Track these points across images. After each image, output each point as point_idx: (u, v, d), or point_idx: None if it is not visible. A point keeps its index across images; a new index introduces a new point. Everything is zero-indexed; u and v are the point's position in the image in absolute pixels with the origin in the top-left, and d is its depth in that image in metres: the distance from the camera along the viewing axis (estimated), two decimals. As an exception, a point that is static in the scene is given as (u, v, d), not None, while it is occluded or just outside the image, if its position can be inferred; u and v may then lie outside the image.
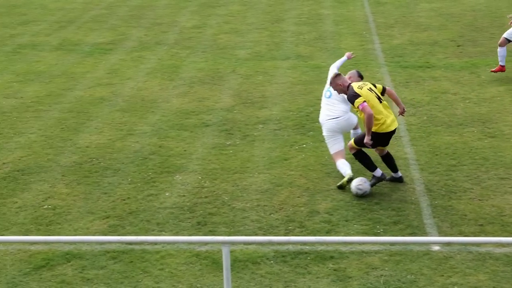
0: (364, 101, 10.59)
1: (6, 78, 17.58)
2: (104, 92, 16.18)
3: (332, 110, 11.46)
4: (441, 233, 9.83)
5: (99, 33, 21.98)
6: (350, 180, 11.02)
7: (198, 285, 8.80)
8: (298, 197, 10.98)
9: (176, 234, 9.97)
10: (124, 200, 11.04)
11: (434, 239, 9.27)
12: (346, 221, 10.22)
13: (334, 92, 11.37)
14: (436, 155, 12.35)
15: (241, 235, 9.84)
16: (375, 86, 11.07)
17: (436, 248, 9.42)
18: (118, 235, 9.76)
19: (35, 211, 10.73)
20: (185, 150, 12.88)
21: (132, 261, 9.29)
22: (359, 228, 10.03)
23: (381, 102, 10.83)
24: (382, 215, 10.35)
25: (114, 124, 14.21)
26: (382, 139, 10.88)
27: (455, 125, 13.65)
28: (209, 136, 13.43)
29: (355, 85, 10.91)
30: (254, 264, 9.19)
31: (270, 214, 10.50)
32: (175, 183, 11.57)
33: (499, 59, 16.18)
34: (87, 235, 9.91)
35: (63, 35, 21.80)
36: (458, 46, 19.14)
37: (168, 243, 9.61)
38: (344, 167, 11.21)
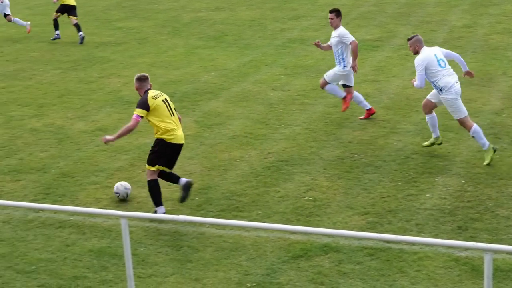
0: None
1: (274, 71, 18.32)
2: (369, 88, 16.33)
3: (452, 75, 12.03)
4: None
5: (367, 30, 22.19)
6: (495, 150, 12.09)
7: (456, 291, 8.63)
8: None
9: (435, 236, 9.83)
10: (383, 198, 11.08)
11: None
12: None
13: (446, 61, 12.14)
14: None
15: (505, 243, 9.48)
16: None
17: None
18: (376, 232, 9.81)
19: (296, 202, 11.10)
20: (449, 152, 12.65)
21: (389, 260, 9.31)
22: None
23: None
24: None
25: (378, 121, 14.29)
26: None
27: None
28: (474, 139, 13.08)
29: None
30: (517, 276, 8.83)
31: (537, 225, 10.02)
32: (437, 185, 11.40)
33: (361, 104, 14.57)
34: (345, 229, 10.06)
35: (330, 30, 22.25)
36: None
37: (427, 245, 9.50)
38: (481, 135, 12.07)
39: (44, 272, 9.38)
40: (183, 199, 10.84)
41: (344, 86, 14.49)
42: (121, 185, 11.43)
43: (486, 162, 12.00)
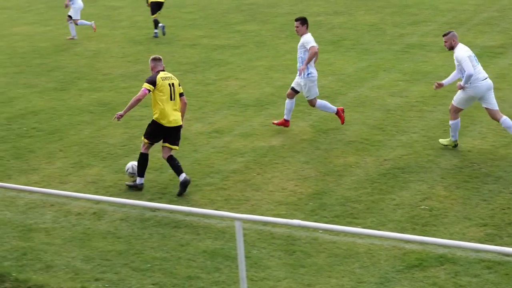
0: None
1: (393, 76, 18.11)
2: (491, 96, 15.88)
3: (482, 72, 12.80)
4: None
5: (490, 36, 21.62)
6: None
7: None
8: None
9: (558, 252, 9.44)
10: (503, 209, 10.75)
11: None
12: None
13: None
14: None
15: None
16: None
17: None
18: (495, 245, 9.53)
19: (412, 210, 10.92)
20: None
21: (507, 274, 9.02)
22: None
23: None
24: None
25: (499, 130, 13.88)
26: None
27: None
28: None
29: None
30: None
31: None
32: (561, 198, 10.97)
33: (285, 111, 14.56)
34: (463, 240, 9.82)
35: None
36: None
37: (549, 260, 9.15)
38: None
39: (158, 270, 9.57)
40: (179, 194, 11.82)
41: (293, 89, 14.44)
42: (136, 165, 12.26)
43: None
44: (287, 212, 11.05)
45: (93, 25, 24.92)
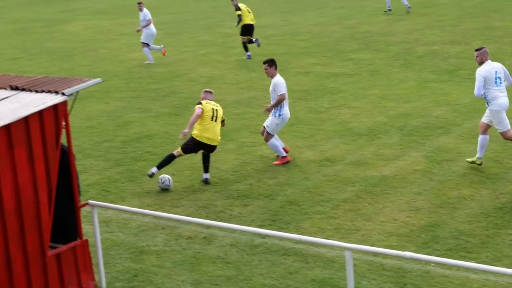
0: None
1: (511, 107, 17.60)
2: None
3: (503, 92, 13.43)
4: None
5: None
6: None
7: None
8: None
9: None
10: None
11: None
12: None
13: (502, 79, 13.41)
14: None
15: None
16: None
17: None
18: None
19: (530, 247, 10.54)
20: None
21: None
22: None
23: None
24: None
25: None
26: None
27: None
28: None
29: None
30: None
31: None
32: None
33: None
34: None
35: None
36: None
37: None
38: None
39: (267, 297, 9.58)
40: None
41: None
42: (169, 179, 13.59)
43: None
44: (398, 243, 10.88)
45: (163, 49, 25.85)
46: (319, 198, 12.83)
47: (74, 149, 10.83)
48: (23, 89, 9.42)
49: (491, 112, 13.48)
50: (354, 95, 19.72)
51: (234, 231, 11.30)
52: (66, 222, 9.75)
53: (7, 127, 8.58)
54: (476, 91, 13.40)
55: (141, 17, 26.35)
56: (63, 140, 9.32)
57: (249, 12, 26.12)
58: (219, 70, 23.84)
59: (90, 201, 9.91)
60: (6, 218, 8.68)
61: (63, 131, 9.28)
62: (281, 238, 10.84)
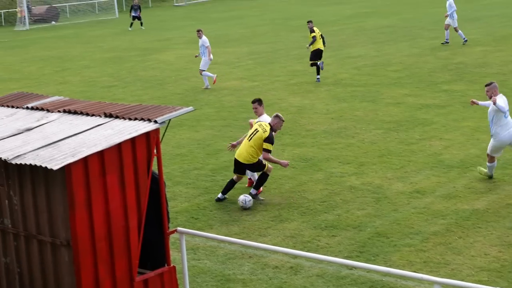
0: None
1: None
2: None
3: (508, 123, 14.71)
4: None
5: None
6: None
7: None
8: None
9: None
10: None
11: None
12: None
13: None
14: None
15: None
16: None
17: None
18: None
19: None
20: None
21: None
22: None
23: None
24: None
25: None
26: None
27: None
28: None
29: None
30: None
31: None
32: None
33: None
34: None
35: None
36: None
37: None
38: None
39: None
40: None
41: None
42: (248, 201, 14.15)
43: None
44: (489, 279, 10.65)
45: (215, 77, 27.27)
46: (408, 230, 12.69)
47: (164, 176, 11.04)
48: (117, 116, 9.68)
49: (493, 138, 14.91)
50: (446, 126, 19.47)
51: (321, 261, 11.28)
52: (154, 248, 9.93)
53: (101, 153, 8.84)
54: (502, 106, 14.57)
55: (200, 44, 27.76)
56: (154, 167, 9.53)
57: (321, 38, 27.52)
58: (309, 100, 23.92)
59: (179, 228, 10.08)
60: (97, 243, 8.91)
61: (154, 158, 9.48)
62: (369, 270, 10.77)
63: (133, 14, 57.29)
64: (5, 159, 8.78)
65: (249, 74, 29.90)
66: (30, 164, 8.59)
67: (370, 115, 21.29)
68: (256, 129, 14.66)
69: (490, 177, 15.03)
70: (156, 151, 9.48)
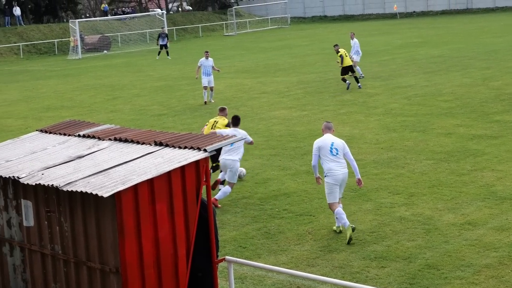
0: None
1: None
2: None
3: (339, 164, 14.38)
4: None
5: None
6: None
7: None
8: None
9: None
10: None
11: None
12: None
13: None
14: None
15: None
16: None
17: None
18: None
19: None
20: None
21: None
22: None
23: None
24: None
25: None
26: None
27: None
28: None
29: None
30: None
31: None
32: None
33: None
34: None
35: None
36: None
37: None
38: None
39: None
40: None
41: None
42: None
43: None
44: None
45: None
46: (459, 262, 12.51)
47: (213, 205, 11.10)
48: (167, 145, 9.78)
49: (325, 183, 14.34)
50: (499, 157, 19.21)
51: (370, 293, 11.17)
52: (202, 276, 9.95)
53: (150, 181, 8.92)
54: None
55: (211, 63, 32.04)
56: (203, 195, 9.58)
57: (346, 56, 32.24)
58: (358, 130, 23.85)
59: (227, 257, 10.09)
60: (145, 270, 8.96)
61: (204, 187, 9.54)
62: (419, 303, 10.62)
63: (160, 42, 57.61)
64: (56, 186, 8.92)
65: (298, 103, 29.95)
66: (81, 191, 8.71)
67: (420, 145, 21.12)
68: (216, 120, 18.53)
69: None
70: (206, 180, 9.54)
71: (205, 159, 9.44)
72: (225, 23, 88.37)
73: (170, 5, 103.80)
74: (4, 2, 79.48)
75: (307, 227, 14.70)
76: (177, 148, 9.65)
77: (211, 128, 18.01)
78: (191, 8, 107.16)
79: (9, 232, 10.19)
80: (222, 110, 19.30)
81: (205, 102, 31.66)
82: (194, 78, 35.07)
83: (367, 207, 15.73)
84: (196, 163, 9.36)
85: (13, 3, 74.97)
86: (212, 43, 68.21)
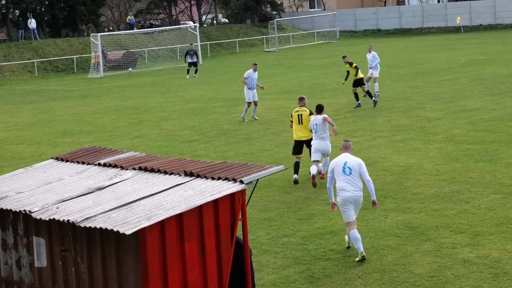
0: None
1: None
2: None
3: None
4: None
5: None
6: None
7: None
8: None
9: None
10: None
11: None
12: None
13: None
14: None
15: None
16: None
17: None
18: None
19: None
20: None
21: None
22: None
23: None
24: None
25: None
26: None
27: None
28: None
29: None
30: None
31: None
32: None
33: None
34: None
35: None
36: None
37: None
38: None
39: None
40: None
41: None
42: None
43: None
44: None
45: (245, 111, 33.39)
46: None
47: (250, 244, 11.06)
48: (198, 175, 9.81)
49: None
50: None
51: None
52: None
53: (179, 217, 8.93)
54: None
55: (255, 76, 33.87)
56: (239, 233, 9.56)
57: (355, 69, 34.61)
58: (416, 159, 23.71)
59: (265, 304, 10.04)
60: (173, 317, 8.95)
61: (239, 223, 9.52)
62: None
63: (189, 60, 56.77)
64: (73, 222, 8.97)
65: (348, 128, 29.90)
66: (101, 228, 8.74)
67: (487, 177, 20.93)
68: (300, 114, 21.79)
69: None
70: (242, 215, 9.53)
71: (241, 192, 9.43)
72: (266, 37, 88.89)
73: (203, 17, 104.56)
74: (18, 14, 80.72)
75: (356, 270, 14.59)
76: (209, 179, 9.67)
77: (298, 124, 21.89)
78: (227, 20, 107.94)
79: (19, 274, 10.26)
80: (301, 99, 22.34)
81: (244, 119, 32.64)
82: (230, 100, 35.21)
83: (426, 248, 15.59)
84: (231, 196, 9.37)
85: (28, 14, 76.09)
86: (250, 59, 68.52)
